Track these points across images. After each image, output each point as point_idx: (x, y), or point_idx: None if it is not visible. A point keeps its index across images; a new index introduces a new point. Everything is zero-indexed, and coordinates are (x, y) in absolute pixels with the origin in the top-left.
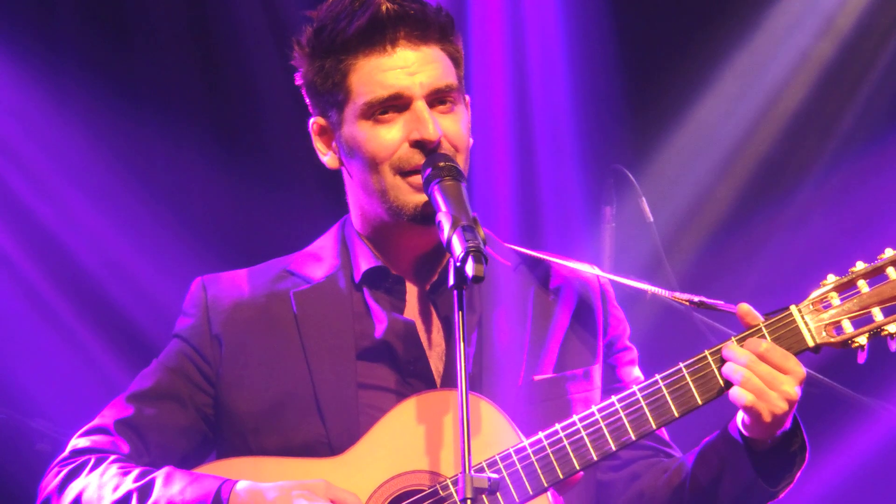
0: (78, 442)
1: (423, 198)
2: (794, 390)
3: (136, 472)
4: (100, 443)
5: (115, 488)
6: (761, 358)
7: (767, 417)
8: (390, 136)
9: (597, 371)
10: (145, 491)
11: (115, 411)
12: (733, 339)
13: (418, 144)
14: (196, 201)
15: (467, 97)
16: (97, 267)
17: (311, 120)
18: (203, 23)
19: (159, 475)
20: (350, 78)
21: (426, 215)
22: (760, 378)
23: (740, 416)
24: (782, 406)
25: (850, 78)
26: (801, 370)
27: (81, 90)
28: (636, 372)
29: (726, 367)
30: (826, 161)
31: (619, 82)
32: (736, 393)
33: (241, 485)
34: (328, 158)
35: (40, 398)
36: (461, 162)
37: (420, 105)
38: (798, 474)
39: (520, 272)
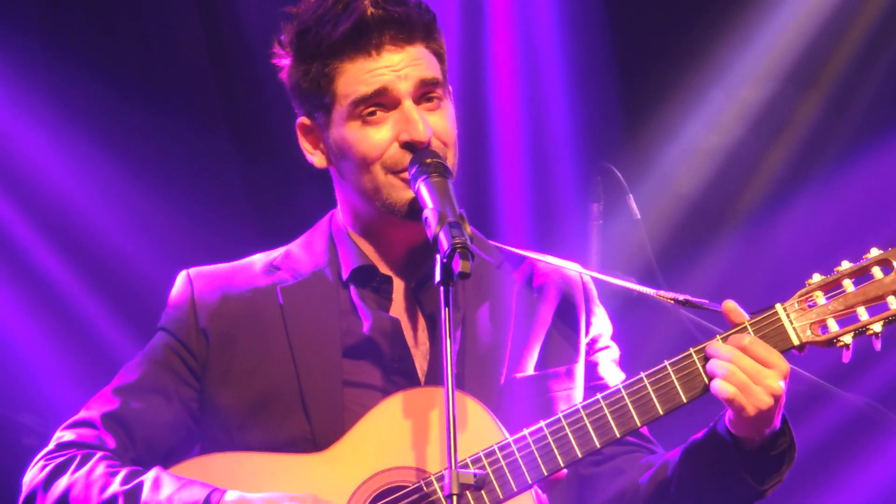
0: (63, 435)
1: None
2: (779, 384)
3: (123, 473)
4: (86, 437)
5: (102, 489)
6: (745, 351)
7: (752, 412)
8: (379, 136)
9: (578, 369)
10: (133, 495)
11: (100, 404)
12: (718, 337)
13: (408, 146)
14: (186, 192)
15: (450, 87)
16: (85, 260)
17: (297, 120)
18: (208, 15)
19: (147, 479)
20: (336, 81)
21: (417, 210)
22: (745, 372)
23: (728, 414)
24: (767, 400)
25: (843, 80)
26: (784, 364)
27: (82, 80)
28: (617, 371)
29: (710, 363)
30: (816, 159)
31: (608, 78)
32: (717, 385)
33: (230, 495)
34: (315, 158)
35: (28, 393)
36: (451, 157)
37: (408, 105)
38: (786, 473)
39: (504, 270)
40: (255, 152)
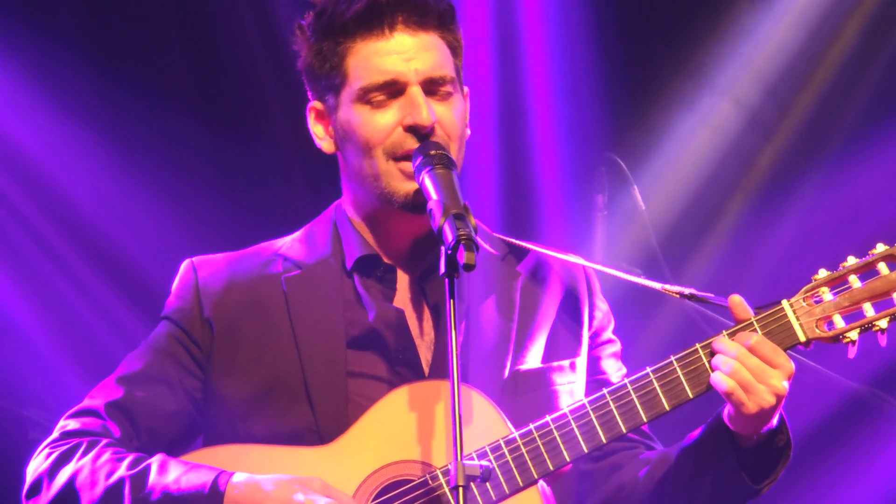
0: (68, 424)
1: (413, 186)
2: (783, 384)
3: (129, 458)
4: (90, 425)
5: (109, 474)
6: (751, 351)
7: (753, 410)
8: (384, 120)
9: (581, 362)
10: (140, 478)
11: (104, 393)
12: (724, 333)
13: (412, 129)
14: (186, 182)
15: (466, 88)
16: (88, 254)
17: (309, 104)
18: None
19: (154, 462)
20: (347, 61)
21: (417, 204)
22: (749, 371)
23: (727, 409)
24: (769, 400)
25: (851, 73)
26: (789, 365)
27: (70, 70)
28: (619, 365)
29: (716, 359)
30: (823, 152)
31: (612, 69)
32: (717, 378)
33: (238, 476)
34: (324, 143)
35: (34, 387)
36: (454, 151)
37: (415, 90)
38: (781, 472)
39: (508, 262)
40: (230, 137)
